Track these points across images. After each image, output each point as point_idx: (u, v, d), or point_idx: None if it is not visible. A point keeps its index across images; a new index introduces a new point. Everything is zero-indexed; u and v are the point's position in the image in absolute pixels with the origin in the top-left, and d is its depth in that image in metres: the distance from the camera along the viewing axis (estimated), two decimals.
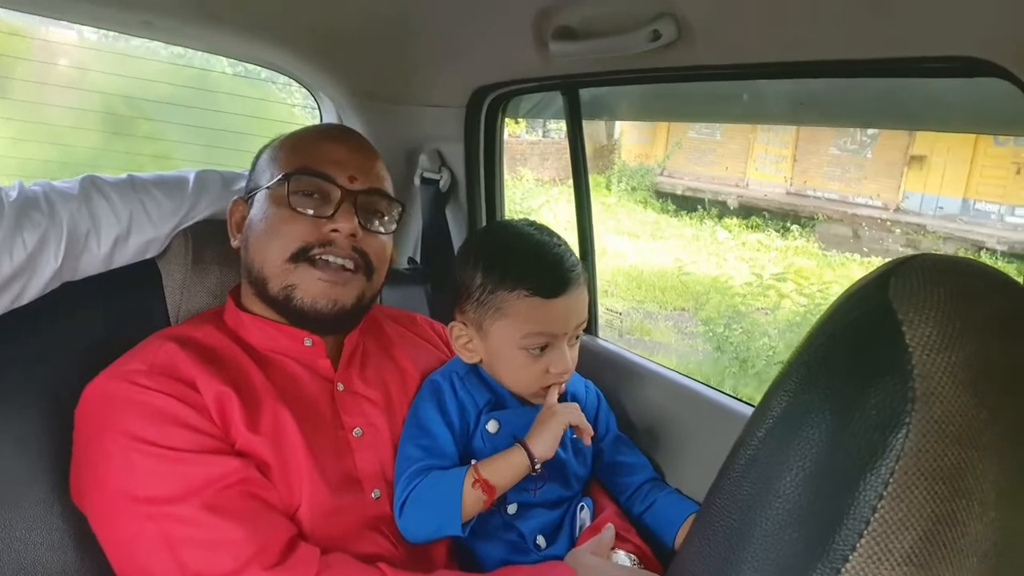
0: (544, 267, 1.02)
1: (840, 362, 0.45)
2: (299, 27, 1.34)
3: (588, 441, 1.04)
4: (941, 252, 0.48)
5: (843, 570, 0.39)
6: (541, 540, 1.04)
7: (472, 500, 0.96)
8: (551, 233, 1.08)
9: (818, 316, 0.49)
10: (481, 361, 1.08)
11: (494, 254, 1.05)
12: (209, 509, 0.85)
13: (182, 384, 0.92)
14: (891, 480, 0.39)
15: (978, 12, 0.73)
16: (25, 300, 1.04)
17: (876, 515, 0.39)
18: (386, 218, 1.07)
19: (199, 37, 1.51)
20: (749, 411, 0.66)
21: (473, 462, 1.00)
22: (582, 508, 1.07)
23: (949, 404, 0.39)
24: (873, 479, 0.39)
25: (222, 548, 0.84)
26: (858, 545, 0.39)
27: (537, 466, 0.97)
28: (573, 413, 1.02)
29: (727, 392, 1.19)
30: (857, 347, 0.44)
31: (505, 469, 0.97)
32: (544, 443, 0.98)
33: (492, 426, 1.04)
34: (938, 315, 0.41)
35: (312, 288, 0.99)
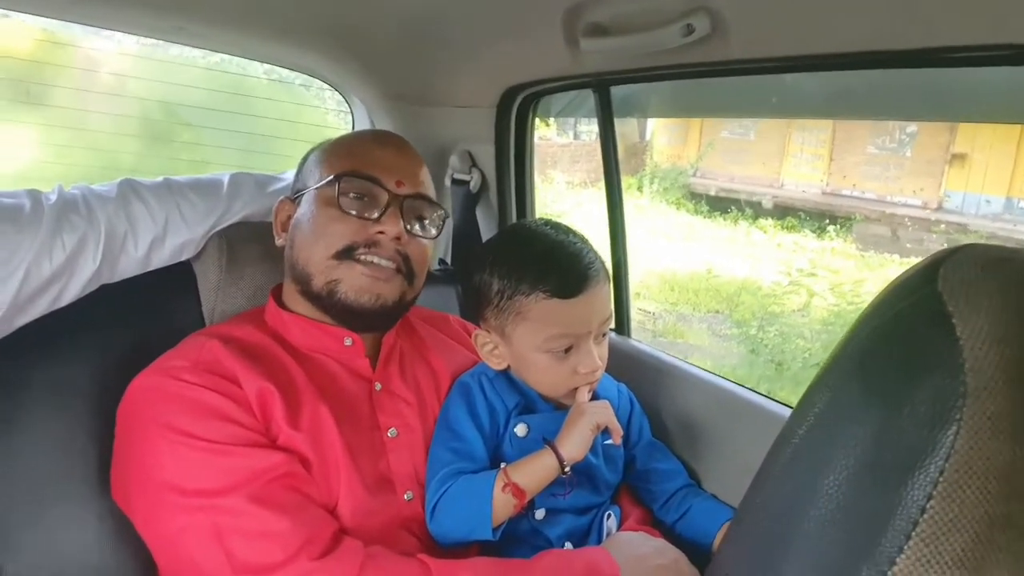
0: (560, 266, 1.00)
1: (886, 355, 0.43)
2: (330, 30, 1.35)
3: (618, 441, 1.02)
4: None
5: (890, 573, 0.37)
6: (569, 546, 1.02)
7: (502, 504, 0.95)
8: (567, 231, 1.06)
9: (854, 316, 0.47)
10: (509, 367, 1.07)
11: (509, 258, 1.03)
12: (256, 501, 0.86)
13: (225, 380, 0.94)
14: (941, 479, 0.37)
15: None
16: (64, 301, 1.06)
17: (925, 515, 0.37)
18: (429, 223, 1.09)
19: (231, 42, 1.54)
20: (788, 413, 0.64)
21: (503, 466, 0.99)
22: (609, 516, 1.06)
23: (1003, 400, 0.37)
24: (922, 477, 0.37)
25: (271, 539, 0.85)
26: (906, 547, 0.37)
27: (567, 468, 0.96)
28: (602, 412, 1.00)
29: (765, 393, 1.16)
30: (904, 340, 0.42)
31: (534, 472, 0.96)
32: (573, 445, 0.97)
33: (521, 430, 1.03)
34: (991, 307, 0.39)
35: (356, 282, 1.01)
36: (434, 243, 1.12)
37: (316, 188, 1.05)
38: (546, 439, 0.98)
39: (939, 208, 7.54)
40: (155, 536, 0.92)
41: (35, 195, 1.04)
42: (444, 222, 1.12)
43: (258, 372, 0.96)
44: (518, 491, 0.95)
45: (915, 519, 0.37)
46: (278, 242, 1.11)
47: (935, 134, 7.58)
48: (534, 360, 1.03)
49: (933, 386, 0.39)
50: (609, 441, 1.03)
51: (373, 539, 0.92)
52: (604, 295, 1.03)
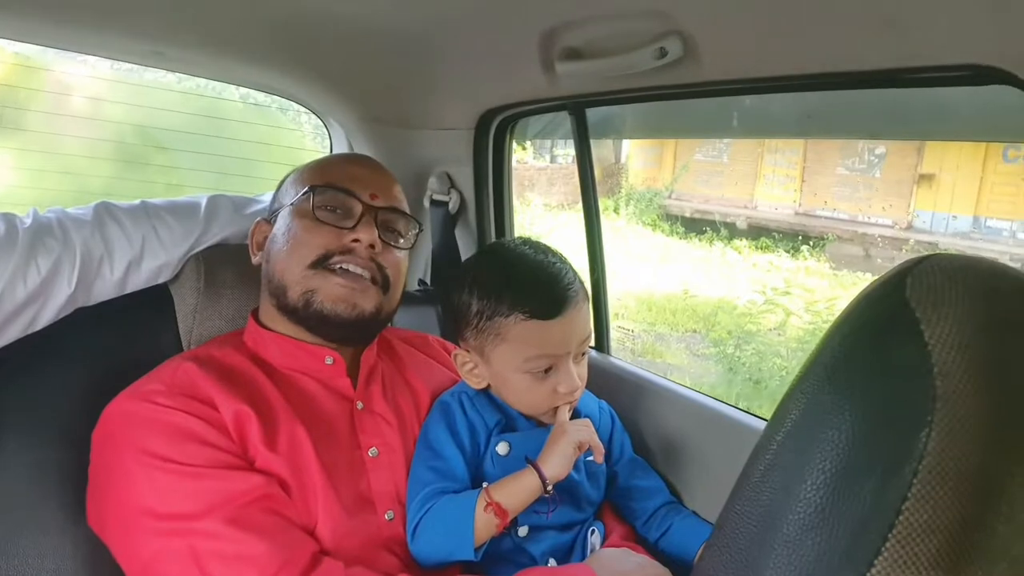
0: (539, 288, 1.00)
1: (858, 362, 0.44)
2: (307, 54, 1.36)
3: (600, 459, 1.02)
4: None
5: (868, 575, 0.38)
6: (552, 563, 1.02)
7: (484, 524, 0.94)
8: (546, 250, 1.07)
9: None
10: (489, 386, 1.07)
11: (488, 278, 1.03)
12: (232, 523, 0.85)
13: (201, 403, 0.93)
14: (915, 481, 0.38)
15: (985, 19, 0.73)
16: (39, 325, 1.05)
17: (901, 518, 0.38)
18: (403, 238, 1.10)
19: (209, 66, 1.54)
20: None
21: (485, 485, 0.98)
22: (592, 532, 1.06)
23: (972, 403, 0.39)
24: (896, 480, 0.38)
25: (248, 562, 0.84)
26: (883, 549, 0.38)
27: (549, 487, 0.96)
28: (583, 431, 1.00)
29: (744, 408, 1.17)
30: (876, 346, 0.43)
31: (517, 491, 0.96)
32: (555, 464, 0.96)
33: (502, 448, 1.03)
34: (957, 312, 0.41)
35: (332, 292, 1.01)
36: (408, 256, 1.13)
37: (292, 204, 1.07)
38: (528, 459, 0.98)
39: (909, 227, 7.69)
40: (131, 561, 0.90)
41: (9, 219, 1.03)
42: (418, 235, 1.13)
43: (235, 394, 0.95)
44: (500, 511, 0.94)
45: (891, 521, 0.38)
46: (254, 260, 1.12)
47: (903, 155, 7.74)
48: (514, 380, 1.03)
49: (904, 391, 0.40)
50: (591, 458, 1.03)
51: (354, 559, 0.91)
52: (583, 315, 1.04)
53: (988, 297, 0.42)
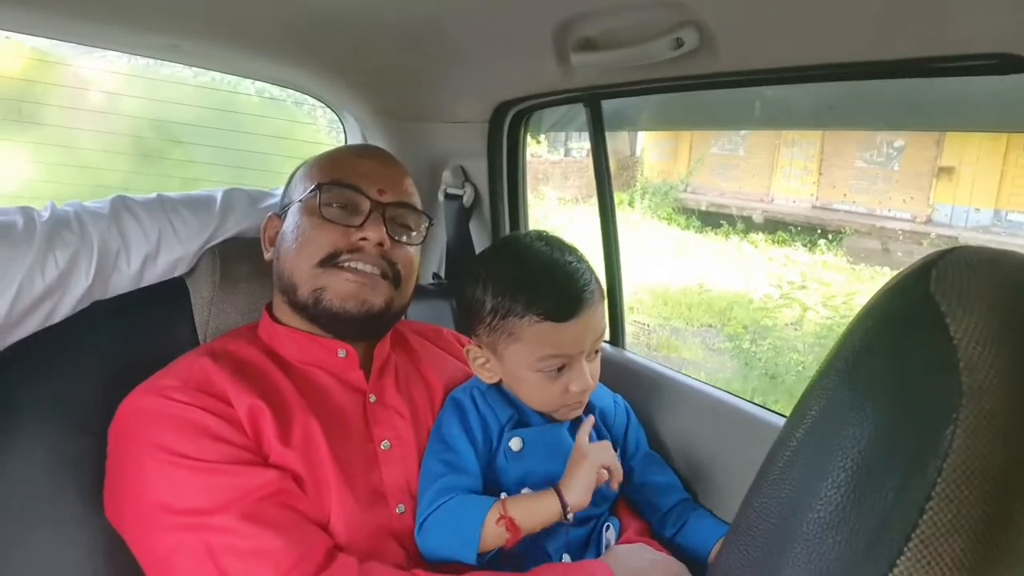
0: (555, 289, 0.98)
1: (881, 356, 0.43)
2: (322, 48, 1.35)
3: (615, 486, 1.00)
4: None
5: (889, 575, 0.37)
6: (567, 558, 1.01)
7: (493, 535, 0.93)
8: (562, 247, 1.04)
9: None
10: (501, 381, 1.07)
11: (503, 276, 1.01)
12: (247, 519, 0.85)
13: (215, 398, 0.94)
14: (939, 480, 0.37)
15: (1011, 7, 0.71)
16: (56, 318, 1.05)
17: (924, 517, 0.37)
18: (414, 232, 1.09)
19: (225, 59, 1.54)
20: (783, 423, 0.64)
21: (502, 495, 0.97)
22: (607, 527, 1.05)
23: (999, 399, 0.38)
24: (920, 478, 0.37)
25: (263, 557, 0.84)
26: (906, 549, 0.37)
27: (570, 515, 0.94)
28: (604, 454, 0.99)
29: (760, 404, 1.16)
30: (899, 341, 0.42)
31: (535, 512, 0.95)
32: (578, 491, 0.95)
33: (515, 444, 1.02)
34: (983, 307, 0.39)
35: (341, 289, 1.01)
36: (421, 250, 1.12)
37: (300, 200, 1.06)
38: (552, 484, 0.96)
39: (928, 221, 7.60)
40: (148, 555, 0.91)
41: (28, 212, 1.04)
42: (429, 228, 1.12)
43: (249, 389, 0.96)
44: (513, 527, 0.93)
45: (914, 521, 0.37)
46: (267, 256, 1.12)
47: (922, 148, 7.65)
48: (526, 378, 1.02)
49: (929, 386, 0.39)
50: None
51: (363, 551, 0.91)
52: (598, 315, 1.02)
53: (1015, 291, 0.41)
